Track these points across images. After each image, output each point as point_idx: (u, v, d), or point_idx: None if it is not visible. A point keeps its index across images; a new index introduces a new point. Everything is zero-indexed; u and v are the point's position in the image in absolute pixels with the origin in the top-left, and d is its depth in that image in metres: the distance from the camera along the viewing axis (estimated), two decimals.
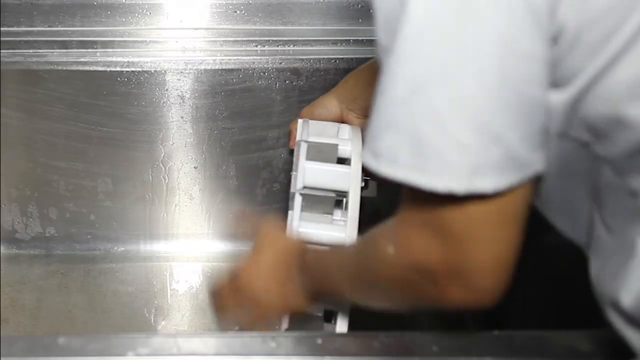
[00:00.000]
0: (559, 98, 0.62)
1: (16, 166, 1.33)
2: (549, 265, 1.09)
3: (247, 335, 0.74)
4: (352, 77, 1.11)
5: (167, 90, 1.29)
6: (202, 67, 1.28)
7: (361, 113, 1.10)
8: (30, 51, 1.27)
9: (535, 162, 0.62)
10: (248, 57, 1.29)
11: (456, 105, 0.58)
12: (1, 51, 1.25)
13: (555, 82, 0.61)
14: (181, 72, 1.28)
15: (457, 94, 0.58)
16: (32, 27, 1.29)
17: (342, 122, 1.13)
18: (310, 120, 1.10)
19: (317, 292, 0.87)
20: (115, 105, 1.29)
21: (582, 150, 0.65)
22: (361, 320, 1.27)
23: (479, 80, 0.58)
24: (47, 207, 1.38)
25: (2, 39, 1.26)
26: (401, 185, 0.63)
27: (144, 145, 1.33)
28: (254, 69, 1.28)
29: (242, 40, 1.30)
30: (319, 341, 0.73)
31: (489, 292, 0.64)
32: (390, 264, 0.69)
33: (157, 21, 1.30)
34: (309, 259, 0.87)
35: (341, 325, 0.94)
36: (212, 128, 1.32)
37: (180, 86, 1.29)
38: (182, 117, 1.31)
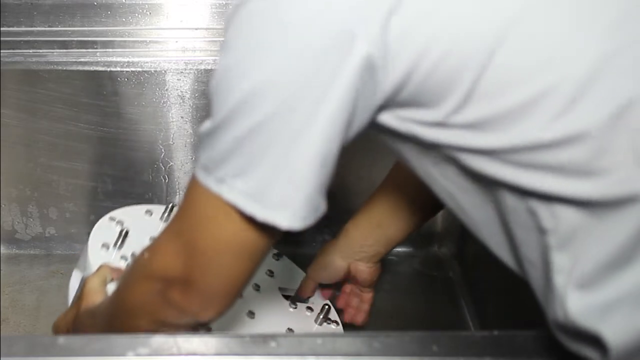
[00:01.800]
0: (429, 115, 0.65)
1: (16, 166, 1.33)
2: None
3: (248, 335, 0.74)
4: (351, 227, 1.11)
5: (167, 90, 1.29)
6: (202, 67, 1.28)
7: (370, 260, 1.11)
8: (30, 51, 1.27)
9: (323, 206, 0.68)
10: None
11: (279, 149, 0.64)
12: (1, 51, 1.25)
13: (424, 105, 0.65)
14: (181, 72, 1.28)
15: (281, 142, 0.64)
16: (32, 27, 1.29)
17: (350, 276, 1.13)
18: None
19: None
20: (115, 105, 1.29)
21: (479, 183, 0.68)
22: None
23: (296, 136, 0.63)
24: (47, 207, 1.38)
25: (2, 39, 1.26)
26: (183, 199, 0.72)
27: (144, 145, 1.33)
28: None
29: None
30: (319, 341, 0.73)
31: (213, 308, 0.74)
32: (141, 269, 0.78)
33: (157, 21, 1.30)
34: (81, 311, 0.92)
35: None
36: None
37: (180, 86, 1.29)
38: (182, 117, 1.31)
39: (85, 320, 0.90)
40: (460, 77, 0.62)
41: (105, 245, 1.06)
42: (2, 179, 1.34)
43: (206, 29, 1.31)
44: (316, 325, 1.10)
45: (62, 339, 0.72)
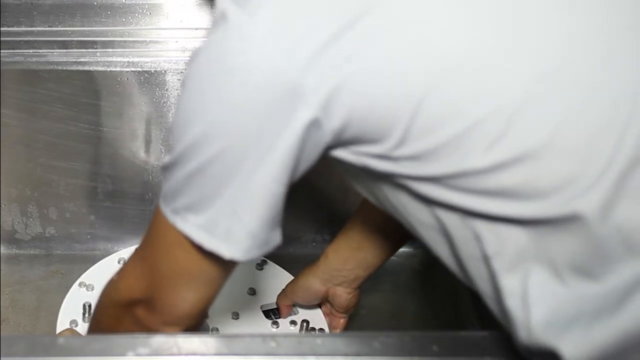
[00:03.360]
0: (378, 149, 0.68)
1: (16, 166, 1.33)
2: None
3: (247, 335, 0.74)
4: (330, 252, 1.12)
5: (167, 90, 1.29)
6: None
7: (349, 285, 1.13)
8: (30, 51, 1.27)
9: (274, 239, 0.73)
10: None
11: (226, 188, 0.69)
12: (1, 51, 1.25)
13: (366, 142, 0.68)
14: (181, 72, 1.28)
15: (228, 182, 0.68)
16: (32, 27, 1.29)
17: (328, 300, 1.15)
18: None
19: None
20: (115, 105, 1.29)
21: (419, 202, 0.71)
22: (361, 320, 1.27)
23: (244, 177, 0.68)
24: (47, 207, 1.38)
25: (2, 39, 1.26)
26: (149, 225, 0.78)
27: (144, 145, 1.33)
28: None
29: None
30: (319, 341, 0.73)
31: (174, 325, 0.80)
32: (111, 291, 0.84)
33: (157, 21, 1.30)
34: None
35: None
36: None
37: (180, 86, 1.29)
38: None
39: None
40: (398, 118, 0.64)
41: (74, 322, 1.08)
42: (2, 179, 1.34)
43: (206, 29, 1.31)
44: None
45: (62, 339, 0.72)
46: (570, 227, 0.63)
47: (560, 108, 0.63)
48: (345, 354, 0.72)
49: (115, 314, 0.83)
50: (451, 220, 0.69)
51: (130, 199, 1.36)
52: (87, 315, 1.07)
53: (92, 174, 1.35)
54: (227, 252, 0.71)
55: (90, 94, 1.28)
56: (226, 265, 0.76)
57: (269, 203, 0.69)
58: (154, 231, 0.77)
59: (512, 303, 0.67)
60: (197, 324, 0.82)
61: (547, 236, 0.65)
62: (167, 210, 0.73)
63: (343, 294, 1.12)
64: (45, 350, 0.71)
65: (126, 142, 1.32)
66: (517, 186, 0.64)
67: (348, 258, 1.10)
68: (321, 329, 1.14)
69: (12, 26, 1.28)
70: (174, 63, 1.28)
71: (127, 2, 1.29)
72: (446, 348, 0.73)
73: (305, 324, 1.14)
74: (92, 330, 0.90)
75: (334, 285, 1.12)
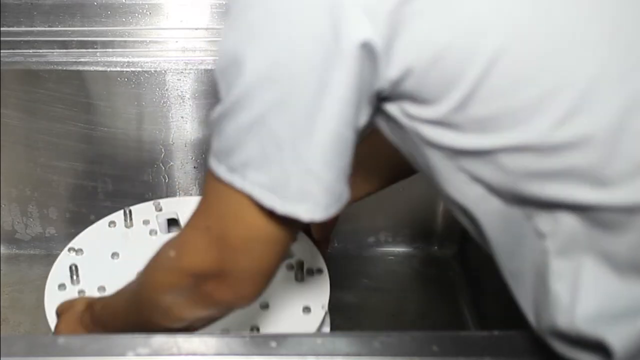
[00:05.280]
0: (431, 113, 0.65)
1: (16, 166, 1.34)
2: None
3: (248, 335, 0.74)
4: None
5: (167, 90, 1.29)
6: (202, 67, 1.28)
7: None
8: (30, 51, 1.28)
9: (346, 193, 0.67)
10: None
11: (288, 139, 0.63)
12: (1, 51, 1.25)
13: (423, 101, 0.64)
14: (181, 72, 1.28)
15: (289, 131, 0.63)
16: (32, 27, 1.29)
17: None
18: None
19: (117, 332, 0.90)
20: (115, 105, 1.29)
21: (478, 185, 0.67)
22: (361, 320, 1.27)
23: (305, 122, 0.63)
24: (47, 207, 1.38)
25: (2, 39, 1.26)
26: (203, 192, 0.71)
27: (144, 145, 1.33)
28: None
29: None
30: (319, 341, 0.73)
31: (248, 295, 0.72)
32: (168, 267, 0.75)
33: (157, 21, 1.30)
34: (96, 308, 0.90)
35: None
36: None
37: (180, 86, 1.29)
38: (182, 117, 1.31)
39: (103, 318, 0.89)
40: (463, 76, 0.61)
41: (62, 286, 1.06)
42: (2, 179, 1.34)
43: (206, 29, 1.31)
44: (298, 282, 1.07)
45: (62, 339, 0.72)
46: (637, 220, 0.61)
47: (632, 90, 0.60)
48: (346, 354, 0.72)
49: (177, 287, 0.74)
50: (502, 198, 0.66)
51: (130, 199, 1.36)
52: (74, 277, 1.04)
53: (92, 174, 1.35)
54: (305, 212, 0.65)
55: (90, 94, 1.28)
56: (300, 224, 0.68)
57: (339, 150, 0.64)
58: (212, 198, 0.70)
59: (559, 287, 0.64)
60: (265, 290, 0.74)
61: (608, 228, 0.62)
62: (220, 169, 0.67)
63: None
64: (45, 350, 0.71)
65: (126, 142, 1.32)
66: (583, 169, 0.61)
67: None
68: (319, 270, 1.09)
69: (12, 26, 1.28)
70: (174, 63, 1.28)
71: (127, 2, 1.29)
72: (446, 348, 0.73)
73: (299, 265, 1.09)
74: (139, 301, 0.81)
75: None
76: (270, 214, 0.66)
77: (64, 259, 1.09)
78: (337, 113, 0.62)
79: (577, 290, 0.64)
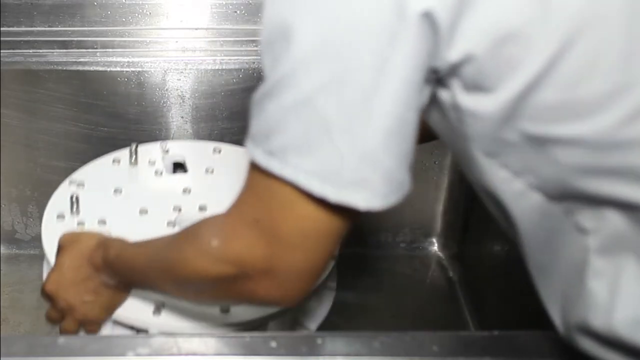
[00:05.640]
0: (489, 102, 0.61)
1: (16, 166, 1.33)
2: None
3: (248, 335, 0.74)
4: None
5: (167, 90, 1.29)
6: (202, 67, 1.28)
7: None
8: (30, 51, 1.28)
9: (407, 181, 0.62)
10: (248, 57, 1.29)
11: (341, 121, 0.58)
12: (1, 51, 1.25)
13: (482, 89, 0.60)
14: (181, 72, 1.28)
15: (343, 113, 0.58)
16: (32, 27, 1.29)
17: None
18: None
19: (127, 285, 0.87)
20: (115, 105, 1.29)
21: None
22: (361, 320, 1.27)
23: (362, 102, 0.58)
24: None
25: (2, 39, 1.26)
26: (246, 180, 0.65)
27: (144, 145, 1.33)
28: (254, 69, 1.28)
29: (242, 40, 1.30)
30: (319, 341, 0.73)
31: (295, 294, 0.68)
32: (211, 255, 0.69)
33: (157, 21, 1.30)
34: (112, 253, 0.85)
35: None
36: (212, 128, 1.32)
37: (180, 86, 1.29)
38: (182, 117, 1.31)
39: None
40: (531, 61, 0.58)
41: (61, 216, 1.03)
42: (2, 179, 1.34)
43: (206, 29, 1.31)
44: None
45: (62, 339, 0.72)
46: None
47: None
48: (346, 354, 0.72)
49: (217, 275, 0.69)
50: (545, 193, 0.63)
51: None
52: (74, 208, 1.02)
53: None
54: (362, 202, 0.60)
55: (90, 94, 1.28)
56: (354, 215, 0.63)
57: (400, 133, 0.59)
58: (257, 188, 0.64)
59: (597, 285, 0.62)
60: (313, 288, 0.70)
61: None
62: (257, 152, 0.61)
63: None
64: (45, 350, 0.71)
65: (126, 142, 1.32)
66: None
67: None
68: None
69: (12, 26, 1.28)
70: (174, 63, 1.28)
71: (127, 2, 1.29)
72: (446, 348, 0.73)
73: None
74: (168, 272, 0.76)
75: None
76: (322, 203, 0.61)
77: (64, 190, 1.06)
78: (399, 93, 0.57)
79: (616, 291, 0.61)
